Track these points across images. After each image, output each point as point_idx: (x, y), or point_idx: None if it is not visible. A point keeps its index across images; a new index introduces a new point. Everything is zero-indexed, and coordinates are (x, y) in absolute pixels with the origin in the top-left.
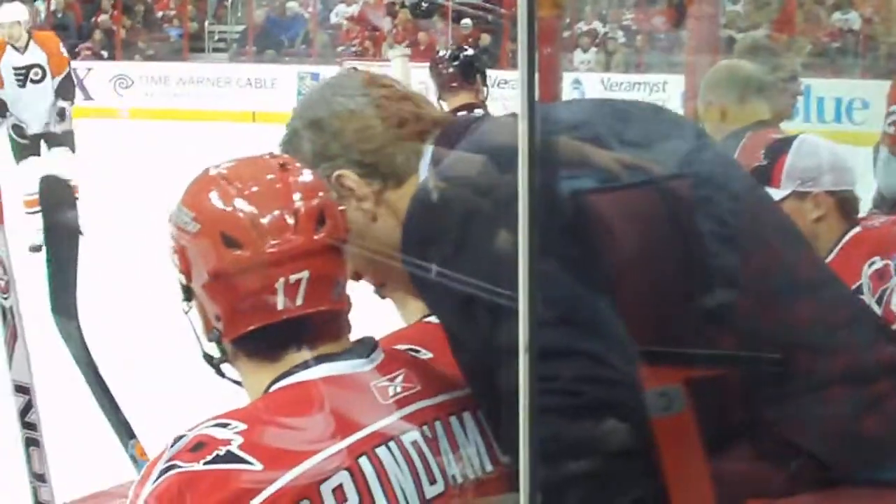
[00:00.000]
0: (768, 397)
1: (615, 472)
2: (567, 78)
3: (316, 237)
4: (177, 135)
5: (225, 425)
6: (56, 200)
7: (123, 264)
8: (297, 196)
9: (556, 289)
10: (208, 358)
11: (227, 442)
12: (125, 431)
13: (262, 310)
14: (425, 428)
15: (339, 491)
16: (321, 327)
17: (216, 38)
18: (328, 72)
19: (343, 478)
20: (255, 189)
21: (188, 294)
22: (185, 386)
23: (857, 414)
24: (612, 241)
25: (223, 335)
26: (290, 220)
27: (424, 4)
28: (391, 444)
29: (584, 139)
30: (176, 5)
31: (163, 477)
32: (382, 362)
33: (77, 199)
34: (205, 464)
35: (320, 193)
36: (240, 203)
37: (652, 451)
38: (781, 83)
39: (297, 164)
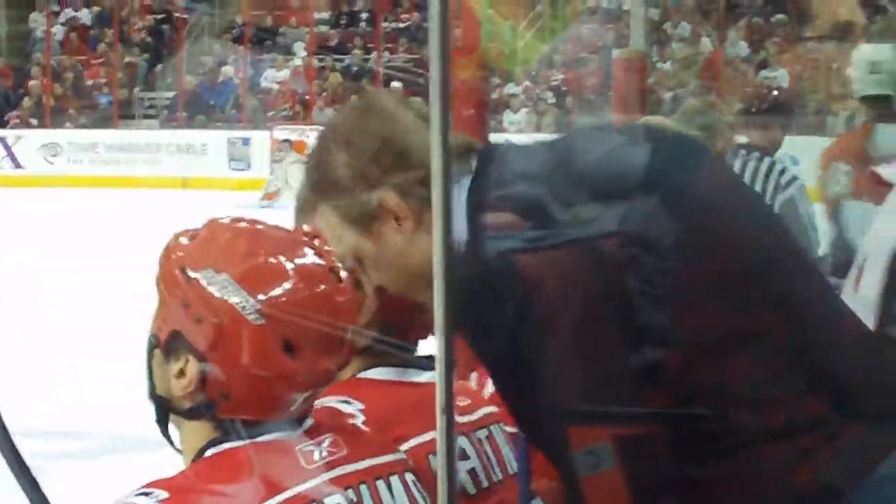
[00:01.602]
0: (699, 454)
1: None
2: (497, 139)
3: (347, 360)
4: (107, 202)
5: (147, 494)
6: None
7: (46, 332)
8: (346, 314)
9: (485, 350)
10: (163, 412)
11: None
12: None
13: (275, 407)
14: (350, 491)
15: None
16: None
17: (146, 104)
18: (259, 137)
19: None
20: (319, 302)
21: (178, 351)
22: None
23: (789, 468)
24: (540, 301)
25: (220, 411)
26: (339, 343)
27: (354, 68)
28: None
29: (519, 208)
30: (106, 73)
31: None
32: (311, 428)
33: None
34: None
35: (353, 310)
36: (309, 316)
37: None
38: (713, 144)
39: (337, 265)
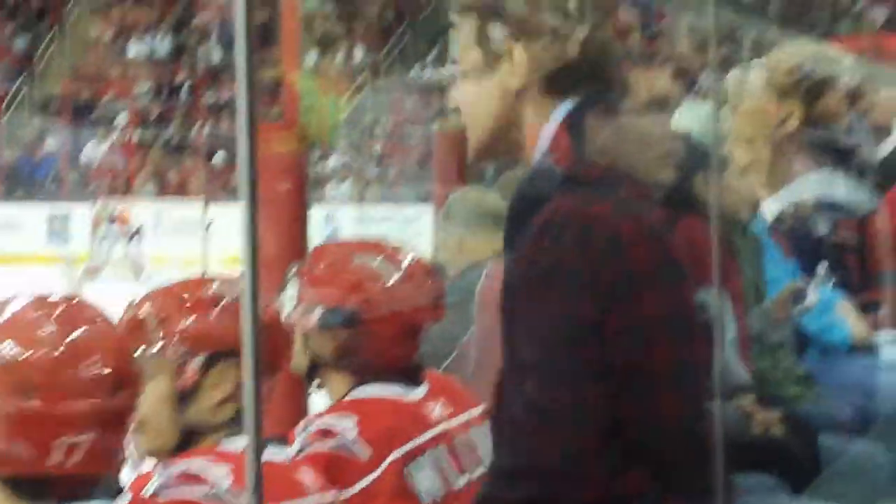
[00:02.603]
0: None
1: None
2: (320, 212)
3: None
4: None
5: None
6: None
7: None
8: (95, 357)
9: None
10: None
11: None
12: None
13: (30, 459)
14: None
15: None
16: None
17: None
18: (80, 211)
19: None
20: (56, 344)
21: None
22: None
23: None
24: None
25: None
26: (89, 385)
27: (174, 142)
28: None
29: None
30: None
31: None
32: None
33: None
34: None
35: (122, 354)
36: (44, 358)
37: None
38: None
39: (106, 320)
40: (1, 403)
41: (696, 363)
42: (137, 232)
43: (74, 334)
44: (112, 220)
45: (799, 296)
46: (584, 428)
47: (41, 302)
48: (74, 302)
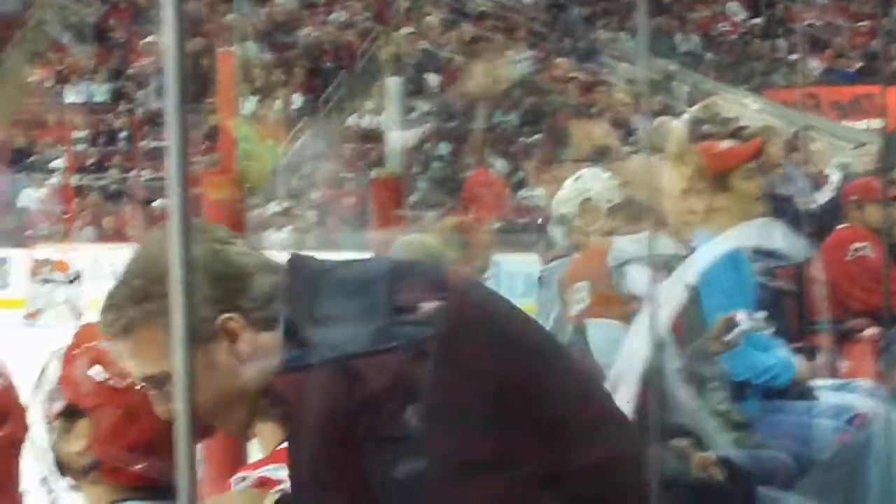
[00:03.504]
0: None
1: None
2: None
3: None
4: None
5: None
6: None
7: None
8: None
9: None
10: None
11: None
12: None
13: None
14: None
15: None
16: None
17: None
18: (17, 255)
19: None
20: None
21: None
22: None
23: None
24: (294, 420)
25: None
26: None
27: (113, 187)
28: None
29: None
30: None
31: None
32: None
33: None
34: None
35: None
36: None
37: None
38: (469, 261)
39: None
40: None
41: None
42: (77, 277)
43: None
44: (52, 265)
45: (731, 325)
46: (519, 476)
47: None
48: None
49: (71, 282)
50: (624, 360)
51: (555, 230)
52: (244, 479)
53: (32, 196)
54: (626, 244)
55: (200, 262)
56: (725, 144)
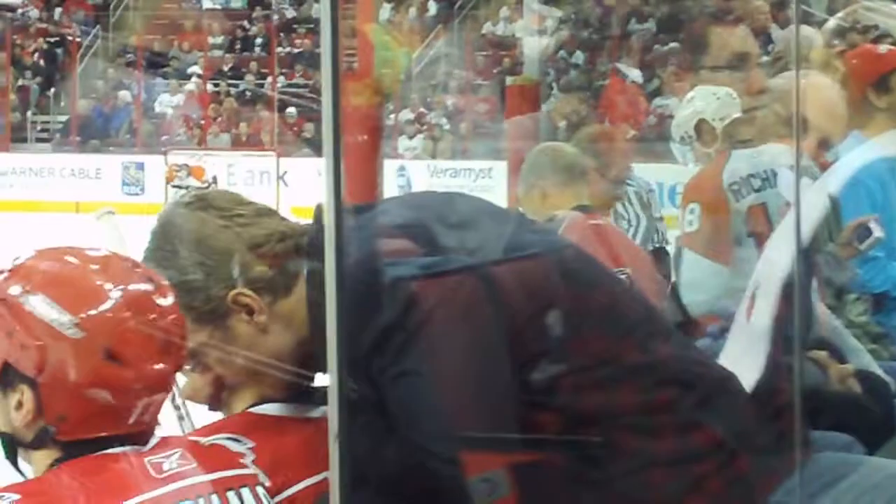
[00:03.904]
0: (591, 481)
1: None
2: (392, 165)
3: (178, 364)
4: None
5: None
6: None
7: None
8: (170, 321)
9: (378, 376)
10: (11, 447)
11: None
12: None
13: (113, 420)
14: (201, 500)
15: None
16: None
17: (39, 128)
18: (153, 161)
19: None
20: (137, 310)
21: (13, 382)
22: None
23: (679, 495)
24: (432, 327)
25: (60, 433)
26: (164, 347)
27: (248, 93)
28: None
29: (410, 234)
30: None
31: None
32: (158, 444)
33: None
34: None
35: (180, 323)
36: (126, 322)
37: None
38: (607, 171)
39: (164, 284)
40: (90, 372)
41: None
42: (214, 181)
43: (164, 302)
44: (187, 170)
45: (864, 232)
46: (655, 382)
47: (124, 263)
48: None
49: (206, 188)
50: (762, 271)
51: (680, 151)
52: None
53: (169, 102)
54: (742, 161)
55: (203, 239)
56: (883, 48)
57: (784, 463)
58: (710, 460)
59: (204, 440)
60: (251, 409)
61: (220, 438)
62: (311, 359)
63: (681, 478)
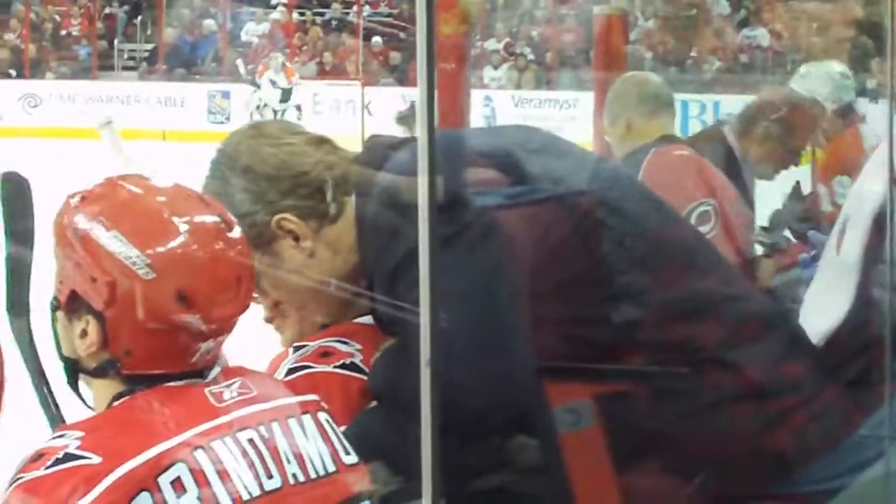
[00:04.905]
0: (676, 412)
1: (524, 489)
2: (477, 95)
3: (245, 305)
4: (86, 153)
5: (62, 436)
6: (18, 197)
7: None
8: (239, 262)
9: (462, 305)
10: (73, 373)
11: (65, 447)
12: None
13: (178, 358)
14: (262, 428)
15: (177, 483)
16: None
17: (125, 56)
18: (238, 90)
19: (180, 470)
20: (208, 251)
21: (78, 311)
22: None
23: (764, 428)
24: (518, 256)
25: (124, 367)
26: (234, 289)
27: (334, 22)
28: (227, 439)
29: (494, 163)
30: (81, 23)
31: (10, 489)
32: (220, 373)
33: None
34: (45, 468)
35: (247, 259)
36: (198, 265)
37: (561, 466)
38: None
39: (233, 220)
40: (160, 313)
41: None
42: (297, 109)
43: (233, 235)
44: (280, 66)
45: None
46: (739, 316)
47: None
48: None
49: (290, 90)
50: (852, 204)
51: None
52: (301, 347)
53: (255, 31)
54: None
55: (251, 165)
56: None
57: (872, 396)
58: (795, 395)
59: (313, 344)
60: (355, 321)
61: (329, 340)
62: (360, 283)
63: (766, 410)
